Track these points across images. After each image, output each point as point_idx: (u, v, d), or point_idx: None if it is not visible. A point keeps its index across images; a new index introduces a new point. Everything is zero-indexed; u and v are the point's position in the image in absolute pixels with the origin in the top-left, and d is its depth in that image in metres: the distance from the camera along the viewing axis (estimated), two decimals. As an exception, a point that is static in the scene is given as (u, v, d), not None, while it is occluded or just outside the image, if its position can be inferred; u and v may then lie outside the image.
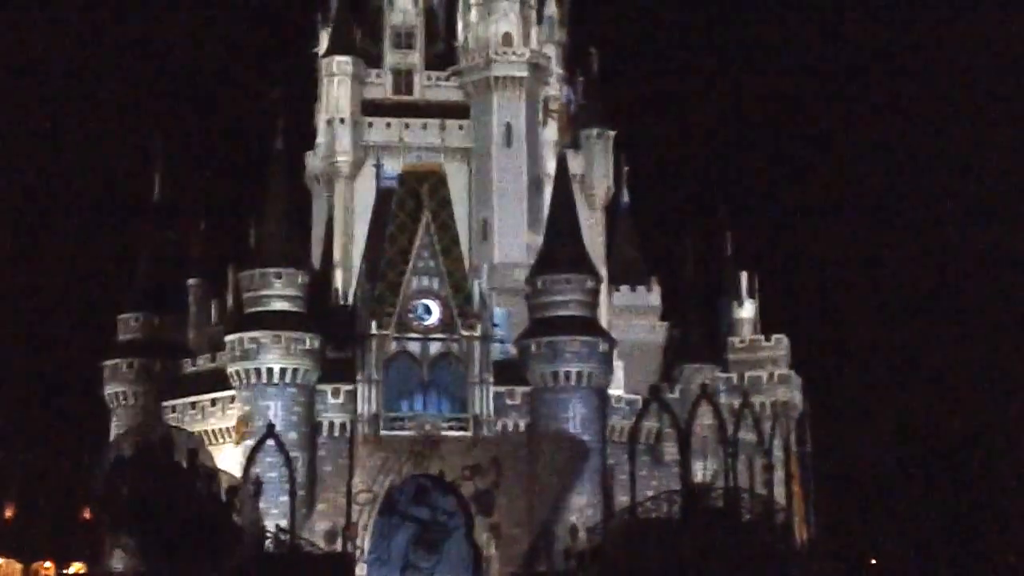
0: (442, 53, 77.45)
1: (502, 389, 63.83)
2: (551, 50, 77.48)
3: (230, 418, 63.59)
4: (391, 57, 76.06)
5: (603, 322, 69.97)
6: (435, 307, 63.82)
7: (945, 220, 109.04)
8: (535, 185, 74.20)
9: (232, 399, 63.62)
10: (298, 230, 68.58)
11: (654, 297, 77.48)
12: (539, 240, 69.43)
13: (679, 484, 57.93)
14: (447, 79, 75.89)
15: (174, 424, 62.64)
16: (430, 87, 76.01)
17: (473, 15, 76.12)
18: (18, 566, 53.02)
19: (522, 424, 64.30)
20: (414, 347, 63.39)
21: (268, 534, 55.33)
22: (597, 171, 77.44)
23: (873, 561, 59.86)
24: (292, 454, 59.18)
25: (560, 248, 66.36)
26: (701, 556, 49.35)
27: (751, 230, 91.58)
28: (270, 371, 62.31)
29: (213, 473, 53.76)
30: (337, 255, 72.63)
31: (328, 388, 63.30)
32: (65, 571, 53.28)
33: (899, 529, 56.60)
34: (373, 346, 62.85)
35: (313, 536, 60.06)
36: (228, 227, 79.28)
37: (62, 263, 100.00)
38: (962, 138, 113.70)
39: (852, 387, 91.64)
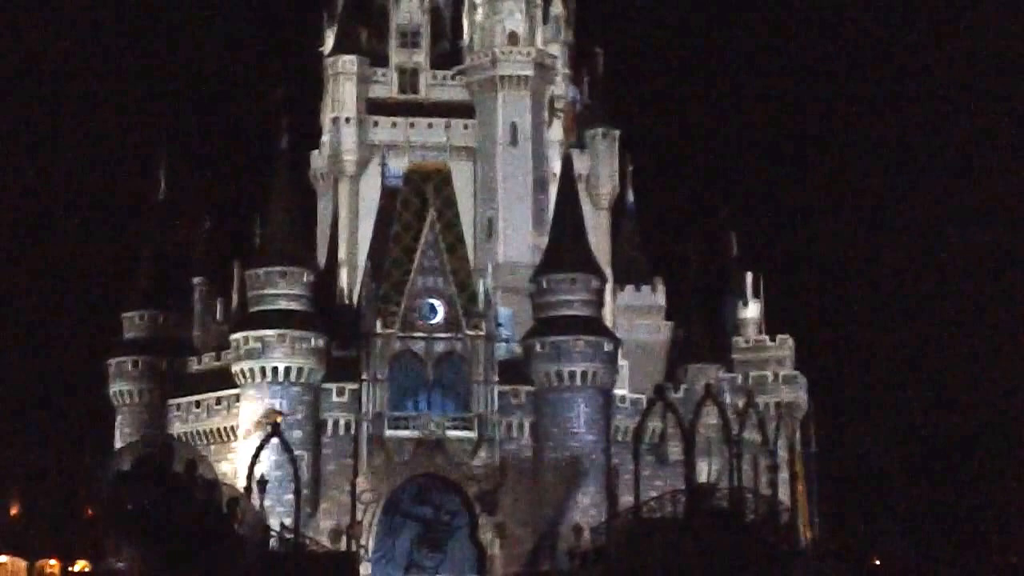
0: (447, 52, 77.40)
1: (506, 388, 63.87)
2: (557, 50, 77.33)
3: (234, 416, 63.69)
4: (396, 56, 76.02)
5: (608, 322, 69.91)
6: (440, 306, 63.83)
7: (945, 220, 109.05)
8: (540, 184, 74.15)
9: (237, 398, 63.70)
10: (303, 229, 68.55)
11: (659, 297, 77.32)
12: (544, 239, 69.52)
13: (683, 484, 57.68)
14: (452, 78, 75.79)
15: (179, 420, 62.48)
16: (435, 86, 75.96)
17: (479, 14, 76.01)
18: (23, 564, 52.93)
19: (526, 423, 64.35)
20: (419, 346, 63.40)
21: (272, 533, 55.24)
22: (602, 171, 77.50)
23: (877, 561, 59.92)
24: (296, 453, 59.04)
25: (565, 248, 66.35)
26: (705, 556, 49.17)
27: (756, 230, 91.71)
28: (275, 370, 62.37)
29: (214, 484, 53.50)
30: (342, 254, 72.52)
31: (333, 387, 63.30)
32: (70, 568, 53.21)
33: (902, 529, 56.63)
34: (378, 345, 62.90)
35: (317, 535, 60.12)
36: (233, 226, 79.52)
37: (67, 261, 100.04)
38: (962, 138, 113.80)
39: (857, 388, 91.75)
